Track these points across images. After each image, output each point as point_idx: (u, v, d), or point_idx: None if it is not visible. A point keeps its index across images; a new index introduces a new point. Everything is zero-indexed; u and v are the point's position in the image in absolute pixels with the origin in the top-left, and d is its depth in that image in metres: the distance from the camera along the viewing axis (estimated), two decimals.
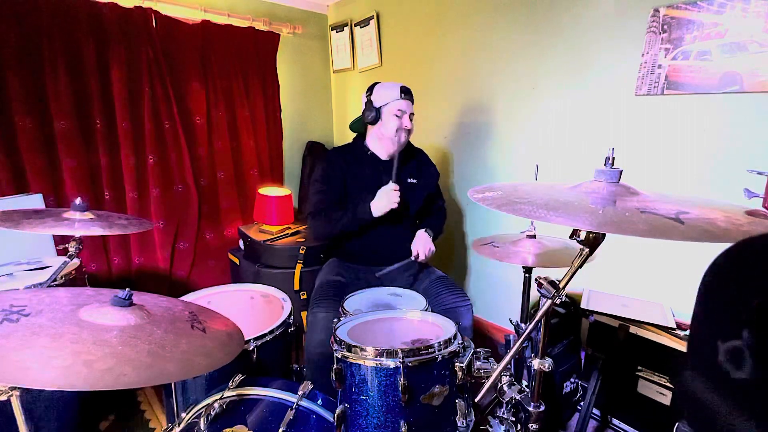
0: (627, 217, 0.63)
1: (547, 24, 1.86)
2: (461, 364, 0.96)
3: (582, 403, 1.55)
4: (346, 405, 0.97)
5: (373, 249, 1.73)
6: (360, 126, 1.80)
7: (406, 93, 1.67)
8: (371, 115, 1.67)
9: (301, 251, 2.19)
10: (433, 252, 1.69)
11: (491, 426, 1.30)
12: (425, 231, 1.73)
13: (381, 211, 1.58)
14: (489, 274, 2.38)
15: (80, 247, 1.21)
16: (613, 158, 0.79)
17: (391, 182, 1.59)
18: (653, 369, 1.45)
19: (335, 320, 1.11)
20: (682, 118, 1.53)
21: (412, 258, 1.63)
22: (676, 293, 1.60)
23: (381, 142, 1.73)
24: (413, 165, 1.83)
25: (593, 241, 0.74)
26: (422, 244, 1.65)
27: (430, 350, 0.95)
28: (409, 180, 1.77)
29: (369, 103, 1.69)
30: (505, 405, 1.24)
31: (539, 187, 0.84)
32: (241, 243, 2.52)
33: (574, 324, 1.70)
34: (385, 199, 1.57)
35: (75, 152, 2.08)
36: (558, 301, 0.79)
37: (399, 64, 2.65)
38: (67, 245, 1.21)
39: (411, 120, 1.70)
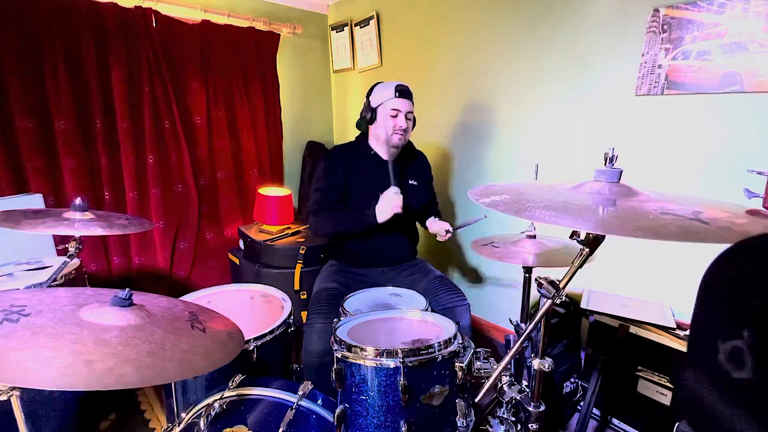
0: (651, 219, 0.62)
1: (546, 24, 1.86)
2: (461, 364, 0.96)
3: (582, 403, 1.55)
4: (346, 405, 0.97)
5: (373, 251, 1.73)
6: (364, 124, 1.79)
7: (401, 92, 1.63)
8: (368, 115, 1.67)
9: (301, 251, 2.19)
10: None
11: (491, 426, 1.30)
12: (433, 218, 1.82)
13: (385, 216, 1.56)
14: (489, 274, 2.38)
15: (80, 247, 1.21)
16: (615, 156, 0.78)
17: (392, 186, 1.57)
18: (653, 369, 1.45)
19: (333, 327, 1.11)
20: (682, 118, 1.53)
21: (446, 235, 1.69)
22: (676, 293, 1.60)
23: (378, 142, 1.72)
24: (415, 167, 1.82)
25: (593, 241, 0.74)
26: (442, 223, 1.74)
27: (430, 350, 0.95)
28: (410, 182, 1.77)
29: (367, 103, 1.69)
30: (505, 405, 1.24)
31: (542, 188, 0.84)
32: (241, 243, 2.52)
33: (574, 324, 1.70)
34: (387, 204, 1.55)
35: (75, 152, 2.08)
36: (558, 301, 0.79)
37: (399, 64, 2.65)
38: (67, 245, 1.21)
39: (409, 119, 1.67)
